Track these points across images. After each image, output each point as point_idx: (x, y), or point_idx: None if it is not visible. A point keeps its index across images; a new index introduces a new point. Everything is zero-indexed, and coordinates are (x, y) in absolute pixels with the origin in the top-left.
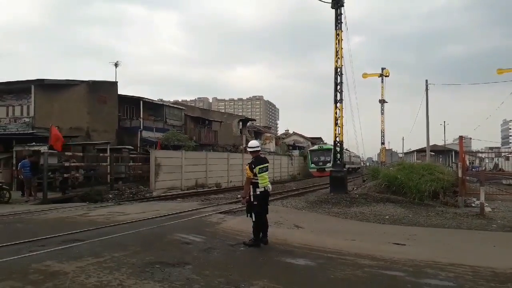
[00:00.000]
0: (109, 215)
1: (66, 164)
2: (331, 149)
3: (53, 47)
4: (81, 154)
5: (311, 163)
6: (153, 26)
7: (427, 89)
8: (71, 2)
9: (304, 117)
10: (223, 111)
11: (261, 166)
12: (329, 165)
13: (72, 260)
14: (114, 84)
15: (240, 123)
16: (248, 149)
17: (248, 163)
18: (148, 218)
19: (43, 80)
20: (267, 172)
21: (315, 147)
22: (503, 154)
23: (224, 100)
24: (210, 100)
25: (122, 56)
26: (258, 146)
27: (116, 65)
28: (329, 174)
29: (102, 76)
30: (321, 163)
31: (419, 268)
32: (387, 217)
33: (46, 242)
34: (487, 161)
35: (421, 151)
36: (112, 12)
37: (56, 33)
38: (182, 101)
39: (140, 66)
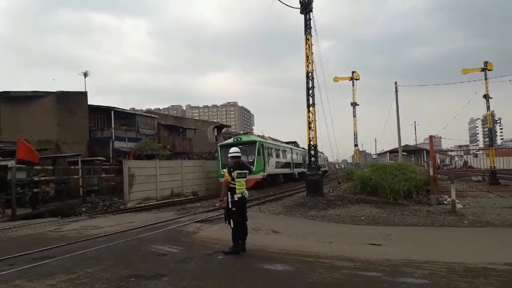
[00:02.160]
0: (81, 229)
1: (36, 178)
2: (254, 142)
3: (18, 57)
4: (51, 167)
5: (223, 168)
6: (122, 34)
7: (396, 91)
8: (35, 11)
9: (279, 122)
10: (197, 118)
11: (240, 171)
12: (252, 168)
13: (43, 279)
14: (83, 95)
15: (215, 130)
16: (229, 155)
17: (227, 167)
18: (123, 231)
19: (8, 92)
20: (244, 179)
21: (229, 140)
22: (471, 151)
23: (198, 107)
24: (184, 108)
25: (91, 65)
26: (238, 152)
27: (85, 75)
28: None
29: (71, 87)
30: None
31: (395, 267)
32: (363, 218)
33: (15, 260)
34: (457, 159)
35: (393, 151)
36: (79, 20)
37: (21, 43)
38: (155, 109)
39: (110, 75)
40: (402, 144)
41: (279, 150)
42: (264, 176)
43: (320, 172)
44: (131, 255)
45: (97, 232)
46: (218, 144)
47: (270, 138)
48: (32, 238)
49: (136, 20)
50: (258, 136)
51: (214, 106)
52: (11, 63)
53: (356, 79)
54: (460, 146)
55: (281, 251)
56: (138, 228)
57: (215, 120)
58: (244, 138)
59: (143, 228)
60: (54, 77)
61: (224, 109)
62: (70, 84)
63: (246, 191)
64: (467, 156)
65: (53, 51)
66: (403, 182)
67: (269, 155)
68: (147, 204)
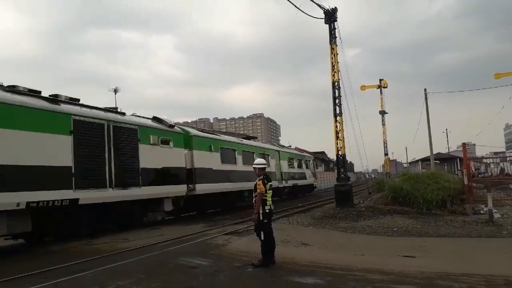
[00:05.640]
0: (113, 243)
1: None
2: None
3: (53, 76)
4: None
5: None
6: (149, 50)
7: (426, 98)
8: (65, 31)
9: (306, 132)
10: (224, 130)
11: (271, 183)
12: None
13: None
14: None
15: None
16: (256, 166)
17: (260, 179)
18: (152, 244)
19: None
20: (271, 191)
21: None
22: (508, 158)
23: (225, 120)
24: (211, 121)
25: (121, 81)
26: (265, 164)
27: (115, 91)
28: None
29: (102, 103)
30: None
31: (431, 280)
32: (395, 229)
33: (49, 274)
34: (492, 166)
35: (425, 160)
36: (107, 38)
37: (55, 63)
38: (183, 123)
39: (139, 90)
40: (434, 152)
41: None
42: None
43: (349, 182)
44: (161, 268)
45: (128, 245)
46: None
47: (296, 148)
48: (66, 251)
49: (162, 36)
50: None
51: (241, 118)
52: (49, 82)
53: (384, 87)
54: (496, 153)
55: (311, 264)
56: (167, 241)
57: (241, 132)
58: None
59: (172, 241)
60: (88, 94)
61: (250, 120)
62: (101, 100)
63: (272, 203)
64: (503, 163)
65: (85, 69)
66: (437, 192)
67: None
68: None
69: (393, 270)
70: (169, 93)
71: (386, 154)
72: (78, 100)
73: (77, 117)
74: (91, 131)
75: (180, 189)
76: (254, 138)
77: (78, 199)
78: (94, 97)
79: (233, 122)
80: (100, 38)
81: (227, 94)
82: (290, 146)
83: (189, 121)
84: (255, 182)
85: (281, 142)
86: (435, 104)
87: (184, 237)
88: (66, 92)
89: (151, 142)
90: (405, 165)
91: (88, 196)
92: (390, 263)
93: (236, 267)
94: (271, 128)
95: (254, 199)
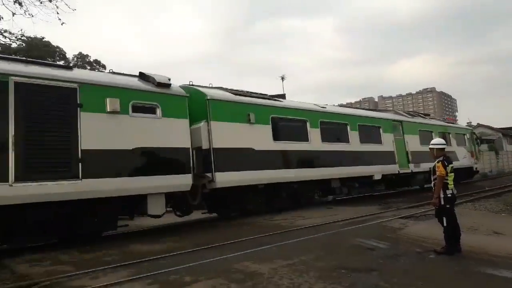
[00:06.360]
0: (291, 219)
1: None
2: None
3: (227, 70)
4: None
5: None
6: (310, 35)
7: None
8: (236, 28)
9: (490, 105)
10: (390, 109)
11: (452, 165)
12: None
13: (266, 262)
14: (282, 97)
15: None
16: (433, 147)
17: (440, 161)
18: (327, 223)
19: None
20: (453, 174)
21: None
22: None
23: (391, 97)
24: (376, 99)
25: (287, 68)
26: (444, 144)
27: (282, 78)
28: None
29: (271, 91)
30: None
31: None
32: None
33: (240, 245)
34: None
35: None
36: (272, 29)
37: (229, 57)
38: (347, 103)
39: (303, 75)
40: None
41: None
42: None
43: None
44: (338, 247)
45: (305, 222)
46: None
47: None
48: (254, 225)
49: (323, 19)
50: None
51: (409, 94)
52: (226, 74)
53: None
54: None
55: (507, 256)
56: (342, 221)
57: (410, 109)
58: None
59: (346, 222)
60: (258, 84)
61: (420, 96)
62: (269, 88)
63: (454, 187)
64: None
65: (254, 61)
66: None
67: None
68: (347, 197)
69: None
70: (332, 75)
71: None
72: None
73: None
74: None
75: (179, 181)
76: (427, 115)
77: None
78: (267, 86)
79: (400, 99)
80: (267, 30)
81: (392, 70)
82: (470, 122)
83: (353, 101)
84: (433, 164)
85: (459, 118)
86: None
87: (357, 218)
88: (242, 83)
89: (108, 110)
90: None
91: None
92: None
93: (416, 252)
94: (446, 103)
95: (433, 182)
